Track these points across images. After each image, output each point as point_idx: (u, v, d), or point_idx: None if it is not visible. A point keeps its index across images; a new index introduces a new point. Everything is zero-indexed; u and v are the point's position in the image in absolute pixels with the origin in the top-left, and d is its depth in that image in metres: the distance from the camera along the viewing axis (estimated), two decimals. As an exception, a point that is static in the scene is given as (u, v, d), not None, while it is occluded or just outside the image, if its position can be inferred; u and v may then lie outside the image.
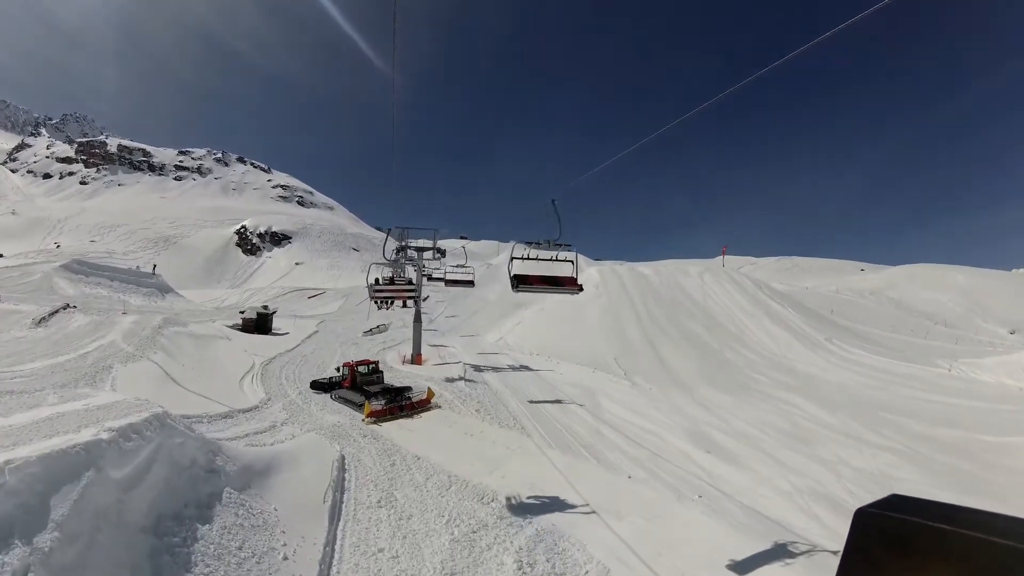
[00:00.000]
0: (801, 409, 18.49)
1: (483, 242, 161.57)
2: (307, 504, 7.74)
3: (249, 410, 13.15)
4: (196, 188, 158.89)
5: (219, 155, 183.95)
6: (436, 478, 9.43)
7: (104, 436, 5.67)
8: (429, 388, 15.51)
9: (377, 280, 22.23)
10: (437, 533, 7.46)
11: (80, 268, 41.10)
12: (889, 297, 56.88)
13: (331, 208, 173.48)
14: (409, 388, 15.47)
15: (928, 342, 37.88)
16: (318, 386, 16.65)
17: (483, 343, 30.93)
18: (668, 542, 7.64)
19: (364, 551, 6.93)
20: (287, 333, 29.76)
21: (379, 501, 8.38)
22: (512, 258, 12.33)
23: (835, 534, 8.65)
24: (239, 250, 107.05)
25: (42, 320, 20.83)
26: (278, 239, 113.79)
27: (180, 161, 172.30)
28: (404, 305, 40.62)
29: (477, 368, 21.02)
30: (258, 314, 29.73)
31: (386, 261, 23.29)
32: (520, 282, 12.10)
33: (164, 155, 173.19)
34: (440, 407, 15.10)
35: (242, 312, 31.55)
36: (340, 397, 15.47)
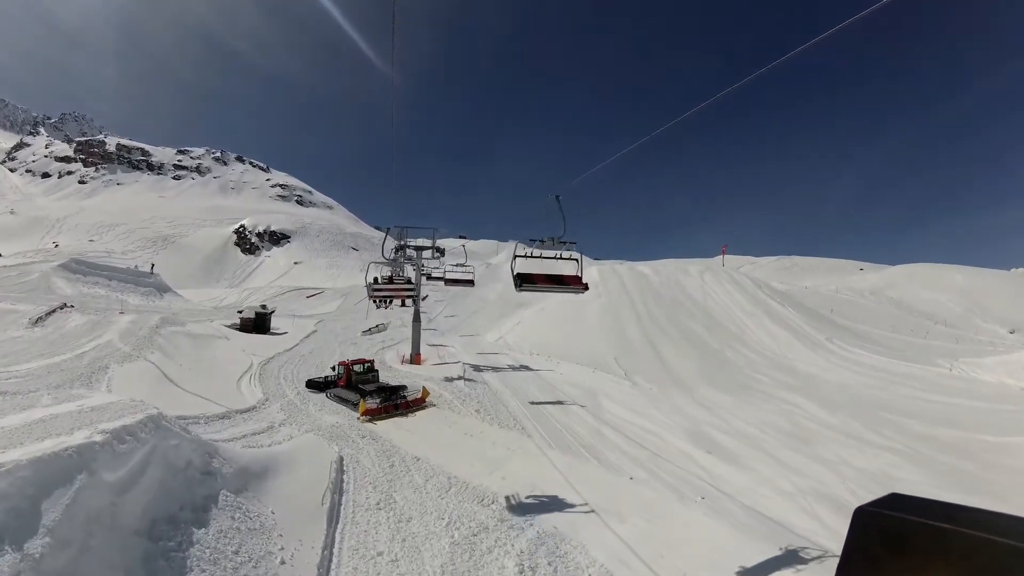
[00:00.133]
0: (802, 409, 18.42)
1: (482, 241, 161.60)
2: (305, 506, 7.64)
3: (247, 411, 13.04)
4: (195, 187, 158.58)
5: (218, 154, 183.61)
6: (436, 479, 9.33)
7: (97, 438, 5.57)
8: (424, 387, 15.57)
9: (376, 279, 22.12)
10: (437, 536, 7.37)
11: (78, 267, 40.93)
12: (889, 297, 56.85)
13: (330, 207, 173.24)
14: (404, 387, 15.57)
15: (928, 342, 37.85)
16: (314, 385, 16.75)
17: (483, 343, 30.85)
18: (670, 543, 7.55)
19: (363, 555, 6.83)
20: (285, 333, 29.63)
21: (378, 503, 8.28)
22: (515, 256, 12.04)
23: (838, 535, 8.57)
24: (238, 249, 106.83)
25: (39, 320, 20.70)
26: (277, 238, 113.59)
27: (179, 160, 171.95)
28: (403, 304, 40.51)
29: (477, 368, 20.93)
30: (256, 314, 29.60)
31: (385, 260, 23.19)
32: (524, 281, 11.82)
33: (163, 154, 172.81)
34: (435, 405, 15.14)
35: (240, 311, 31.43)
36: (335, 396, 15.55)
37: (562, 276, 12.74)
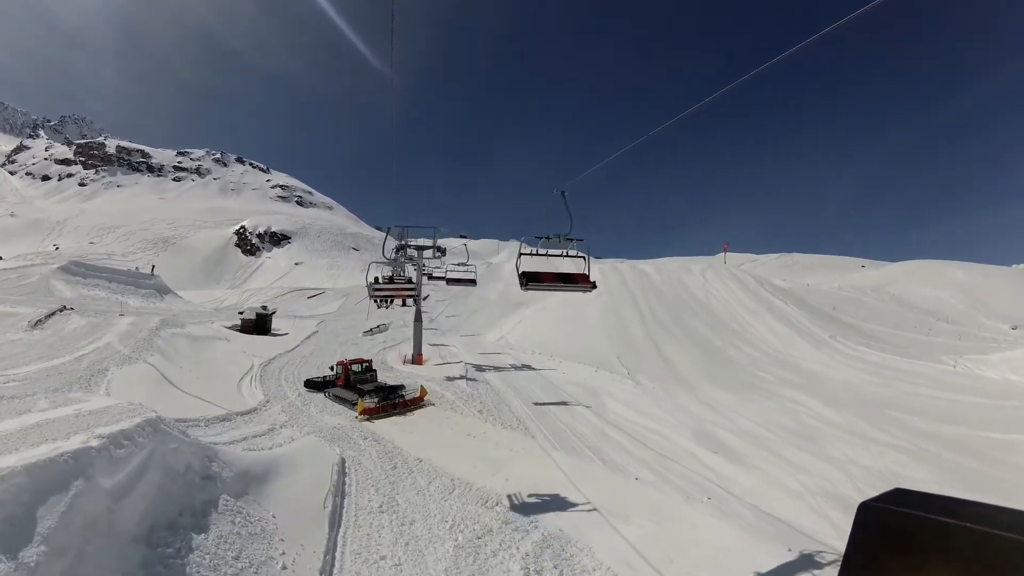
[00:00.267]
0: (806, 407, 18.30)
1: (483, 241, 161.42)
2: (306, 510, 7.52)
3: (247, 413, 12.93)
4: (195, 189, 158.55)
5: (218, 155, 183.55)
6: (439, 481, 9.22)
7: (94, 443, 5.46)
8: (422, 386, 15.67)
9: (377, 279, 22.01)
10: (441, 539, 7.25)
11: (78, 270, 40.82)
12: (891, 294, 56.70)
13: (330, 208, 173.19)
14: (402, 386, 15.73)
15: (931, 339, 37.70)
16: (312, 384, 16.90)
17: (484, 342, 30.74)
18: (677, 545, 7.44)
19: (365, 559, 6.72)
20: (286, 334, 29.54)
21: (380, 506, 8.17)
22: (520, 254, 11.78)
23: (847, 535, 8.45)
24: (238, 250, 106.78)
25: (38, 322, 20.60)
26: (277, 239, 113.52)
27: (179, 162, 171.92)
28: (404, 304, 40.41)
29: (479, 368, 20.81)
30: (257, 315, 29.49)
31: (386, 260, 23.08)
32: (530, 280, 11.50)
33: (163, 156, 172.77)
34: (434, 404, 15.18)
35: (241, 313, 31.32)
36: (334, 395, 15.67)
37: (569, 274, 12.47)
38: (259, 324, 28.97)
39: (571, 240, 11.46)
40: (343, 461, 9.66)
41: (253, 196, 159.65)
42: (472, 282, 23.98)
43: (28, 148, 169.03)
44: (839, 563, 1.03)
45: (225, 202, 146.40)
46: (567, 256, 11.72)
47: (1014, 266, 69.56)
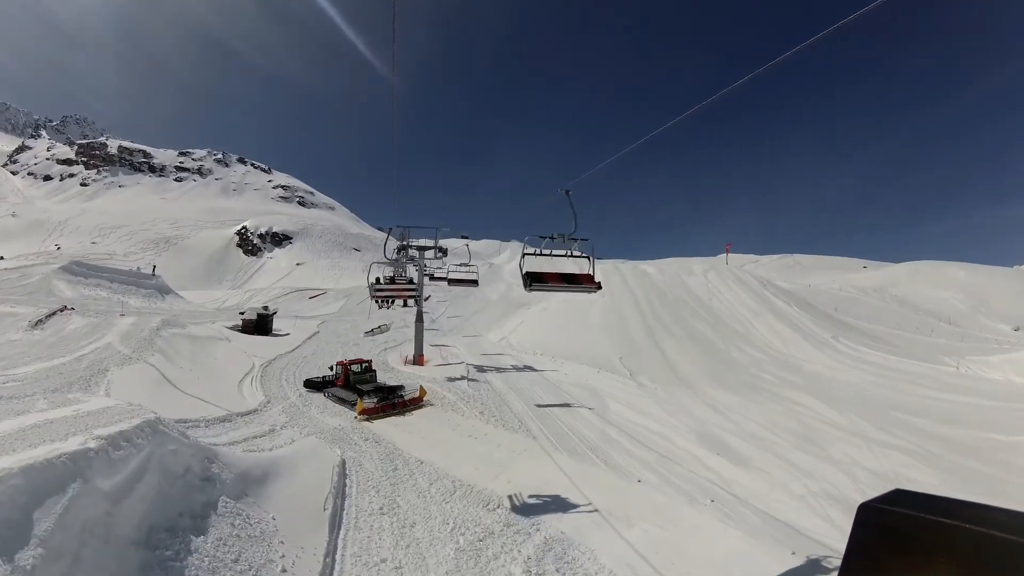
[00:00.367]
0: (810, 409, 18.19)
1: (484, 241, 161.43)
2: (307, 512, 7.46)
3: (247, 413, 12.88)
4: (196, 189, 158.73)
5: (219, 156, 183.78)
6: (440, 483, 9.15)
7: (92, 445, 5.40)
8: (421, 386, 15.75)
9: (378, 279, 21.96)
10: (442, 542, 7.19)
11: (79, 270, 40.86)
12: (892, 295, 56.57)
13: (332, 208, 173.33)
14: (402, 387, 15.83)
15: (934, 340, 37.58)
16: (312, 384, 16.96)
17: (485, 343, 30.67)
18: (681, 549, 7.36)
19: (366, 562, 6.65)
20: (287, 334, 29.49)
21: (381, 508, 8.10)
22: (523, 254, 11.50)
23: (851, 539, 8.36)
24: (240, 251, 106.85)
25: (38, 322, 20.57)
26: (279, 239, 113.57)
27: (180, 162, 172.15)
28: (405, 304, 40.36)
29: (480, 369, 20.74)
30: (258, 315, 29.46)
31: (387, 260, 23.03)
32: (534, 280, 11.24)
33: (164, 156, 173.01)
34: (432, 404, 15.20)
35: (242, 313, 31.28)
36: (333, 395, 15.70)
37: (574, 275, 12.25)
38: (260, 324, 28.94)
39: (576, 240, 11.25)
40: (344, 463, 9.60)
41: (255, 196, 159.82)
42: (474, 283, 23.94)
43: (30, 148, 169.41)
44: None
45: (227, 202, 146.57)
46: (572, 256, 11.49)
47: (1015, 267, 69.39)
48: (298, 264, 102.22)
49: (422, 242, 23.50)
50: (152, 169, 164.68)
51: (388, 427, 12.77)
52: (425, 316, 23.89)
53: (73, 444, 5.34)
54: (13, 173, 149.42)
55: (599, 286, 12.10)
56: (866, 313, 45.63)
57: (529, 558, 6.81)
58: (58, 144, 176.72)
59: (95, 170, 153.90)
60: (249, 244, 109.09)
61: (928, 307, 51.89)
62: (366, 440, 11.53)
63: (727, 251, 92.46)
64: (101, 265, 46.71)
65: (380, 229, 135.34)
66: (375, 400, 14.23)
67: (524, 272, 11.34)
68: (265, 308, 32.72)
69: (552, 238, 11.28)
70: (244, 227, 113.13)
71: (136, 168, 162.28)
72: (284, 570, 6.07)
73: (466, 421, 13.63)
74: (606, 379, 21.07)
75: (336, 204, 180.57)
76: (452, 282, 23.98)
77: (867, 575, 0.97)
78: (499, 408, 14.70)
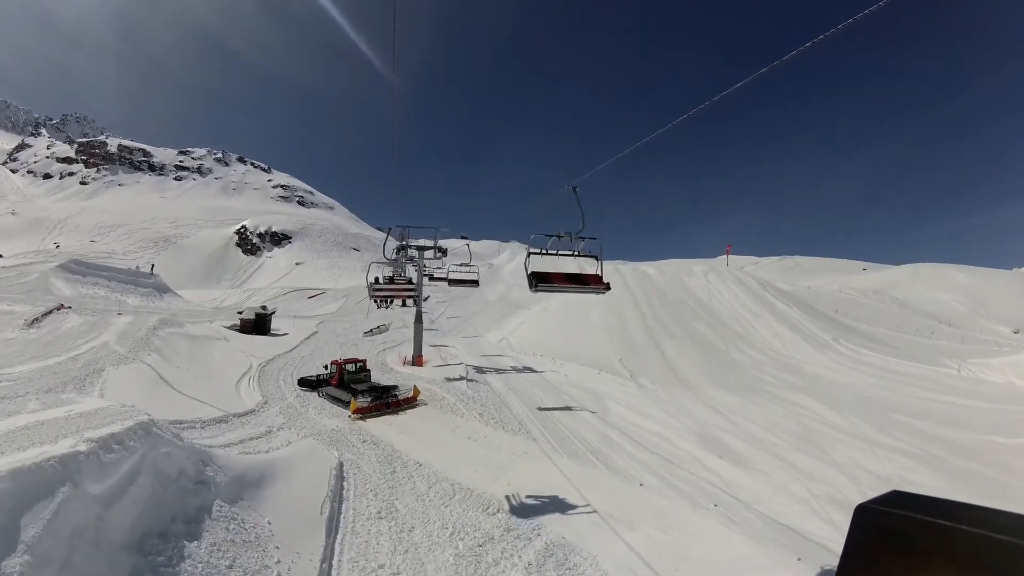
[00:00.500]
0: (811, 411, 18.09)
1: (484, 242, 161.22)
2: (303, 516, 7.33)
3: (244, 414, 12.74)
4: (196, 188, 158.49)
5: (219, 155, 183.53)
6: (439, 486, 9.02)
7: (82, 448, 5.27)
8: (415, 386, 15.87)
9: (377, 279, 21.83)
10: (441, 547, 7.06)
11: (77, 268, 40.66)
12: (892, 297, 56.50)
13: (331, 208, 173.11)
14: (395, 386, 16.01)
15: (934, 342, 37.50)
16: (306, 383, 17.02)
17: (485, 344, 30.54)
18: (684, 554, 7.25)
19: (363, 567, 6.53)
20: (286, 334, 29.33)
21: (379, 512, 7.97)
22: (528, 253, 11.10)
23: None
24: (239, 250, 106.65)
25: (35, 321, 20.41)
26: (278, 239, 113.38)
27: (180, 161, 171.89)
28: (404, 304, 40.25)
29: (480, 370, 20.61)
30: (256, 314, 29.28)
31: (386, 260, 22.91)
32: (539, 281, 10.84)
33: (164, 155, 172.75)
34: (426, 404, 15.22)
35: (240, 312, 31.12)
36: (327, 395, 15.75)
37: (582, 275, 11.91)
38: (258, 324, 28.77)
39: (583, 238, 10.91)
40: (341, 465, 9.47)
41: (254, 196, 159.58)
42: (475, 283, 23.82)
43: (30, 146, 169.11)
44: None
45: (226, 201, 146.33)
46: (578, 256, 11.14)
47: (1015, 269, 69.40)
48: (297, 264, 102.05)
49: (421, 242, 23.38)
50: (152, 168, 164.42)
51: (387, 429, 12.64)
52: (424, 316, 23.76)
53: (63, 447, 5.21)
54: (13, 171, 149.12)
55: (608, 286, 11.73)
56: (866, 315, 45.56)
57: (530, 564, 6.69)
58: (58, 142, 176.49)
59: (95, 169, 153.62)
60: (248, 243, 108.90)
61: (928, 309, 51.82)
62: (364, 442, 11.40)
63: (727, 253, 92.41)
64: (99, 264, 46.50)
65: (379, 229, 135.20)
66: (369, 399, 14.37)
67: (529, 272, 10.96)
68: (263, 308, 32.57)
69: (559, 236, 10.93)
70: (243, 226, 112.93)
71: (136, 167, 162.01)
72: (279, 576, 5.95)
73: (465, 423, 13.50)
74: (606, 380, 20.95)
75: (335, 204, 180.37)
76: (452, 282, 23.85)
77: None
78: (499, 410, 14.57)
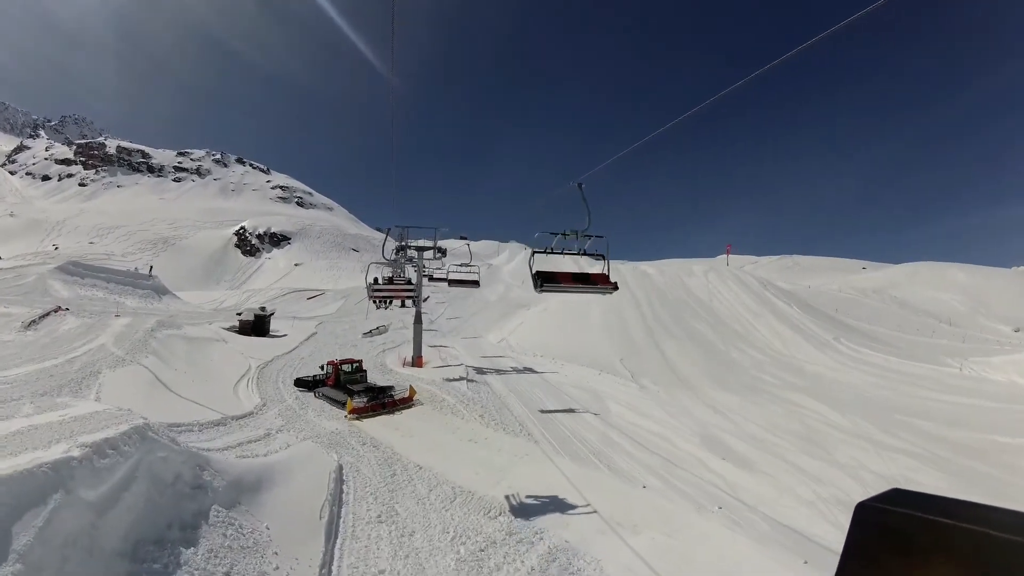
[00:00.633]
0: (812, 411, 18.01)
1: (483, 242, 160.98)
2: (302, 520, 7.22)
3: (243, 417, 12.61)
4: (195, 189, 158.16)
5: (218, 156, 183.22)
6: (439, 489, 8.90)
7: (75, 453, 5.15)
8: (411, 386, 15.90)
9: (376, 280, 21.71)
10: (442, 552, 6.95)
11: (76, 270, 40.48)
12: (892, 296, 56.43)
13: (330, 209, 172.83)
14: (391, 387, 16.06)
15: (935, 341, 37.42)
16: (302, 384, 17.04)
17: (485, 344, 30.42)
18: (689, 558, 7.14)
19: (363, 573, 6.42)
20: (285, 335, 29.19)
21: (379, 516, 7.86)
22: (533, 252, 10.80)
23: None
24: (238, 251, 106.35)
25: (32, 323, 20.26)
26: (277, 240, 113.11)
27: (179, 162, 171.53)
28: (403, 305, 40.09)
29: (480, 370, 20.50)
30: (255, 316, 29.11)
31: (385, 261, 22.78)
32: (545, 281, 10.54)
33: (163, 156, 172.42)
34: (422, 403, 15.20)
35: (239, 314, 30.95)
36: (323, 395, 15.75)
37: (588, 274, 11.61)
38: (257, 325, 28.62)
39: (589, 237, 10.59)
40: (340, 468, 9.35)
41: (253, 197, 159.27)
42: (475, 283, 23.69)
43: (28, 148, 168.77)
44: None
45: (225, 203, 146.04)
46: (584, 255, 10.86)
47: (1014, 268, 69.38)
48: (296, 265, 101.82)
49: (421, 242, 23.26)
50: (151, 169, 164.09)
51: (386, 431, 12.51)
52: (424, 317, 23.64)
53: (56, 452, 5.10)
54: (11, 173, 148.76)
55: (616, 286, 11.42)
56: (866, 314, 45.48)
57: (533, 569, 6.58)
58: (56, 144, 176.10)
59: (93, 170, 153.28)
60: (247, 244, 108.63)
61: (928, 308, 51.76)
62: (364, 444, 11.28)
63: (728, 252, 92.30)
64: (98, 265, 46.33)
65: (379, 230, 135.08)
66: (365, 400, 14.40)
67: (534, 272, 10.64)
68: (262, 309, 32.39)
69: (564, 235, 10.60)
70: (242, 227, 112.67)
71: (134, 168, 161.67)
72: (278, 583, 5.84)
73: (466, 424, 13.38)
74: (607, 381, 20.84)
75: (334, 204, 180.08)
76: (453, 283, 23.72)
77: (866, 574, 0.95)
78: (499, 411, 14.45)
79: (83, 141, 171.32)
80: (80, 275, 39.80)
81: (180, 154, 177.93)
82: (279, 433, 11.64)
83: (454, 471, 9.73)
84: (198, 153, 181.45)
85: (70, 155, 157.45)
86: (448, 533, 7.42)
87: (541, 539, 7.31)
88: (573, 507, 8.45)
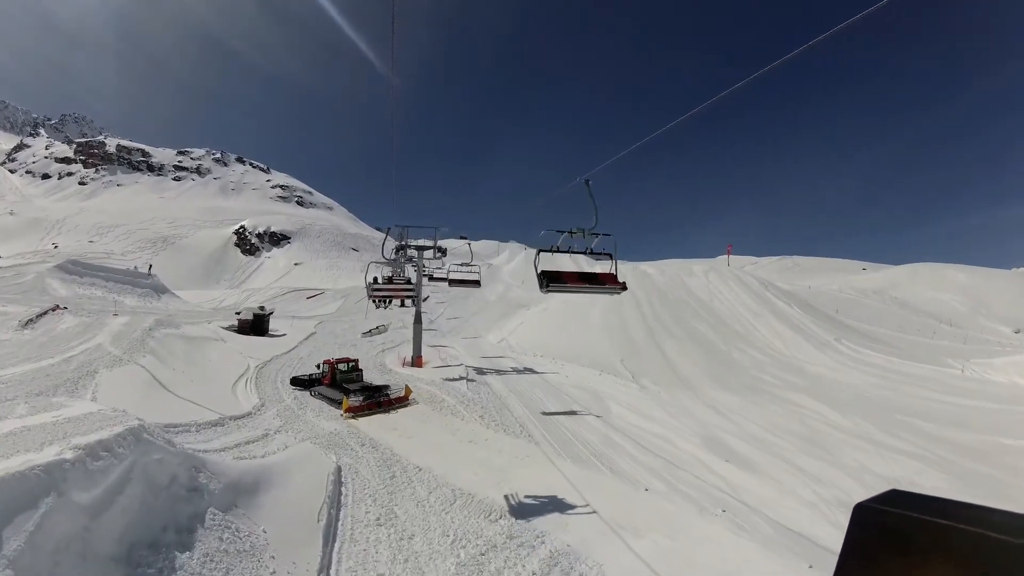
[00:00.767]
0: (814, 411, 17.93)
1: (483, 242, 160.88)
2: (300, 523, 7.11)
3: (241, 417, 12.49)
4: (195, 188, 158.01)
5: (218, 155, 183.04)
6: (439, 491, 8.80)
7: (68, 456, 5.05)
8: (407, 386, 15.97)
9: (376, 279, 21.61)
10: (442, 555, 6.84)
11: (74, 268, 40.39)
12: (892, 296, 56.35)
13: (330, 208, 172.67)
14: (387, 386, 16.18)
15: (936, 342, 37.35)
16: (298, 382, 17.05)
17: (485, 344, 30.32)
18: (693, 562, 7.05)
19: (362, 577, 6.32)
20: (284, 335, 29.08)
21: (378, 519, 7.75)
22: (539, 251, 10.54)
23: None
24: (238, 250, 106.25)
25: (29, 322, 20.15)
26: (277, 239, 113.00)
27: (179, 161, 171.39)
28: (402, 305, 39.98)
29: (480, 371, 20.40)
30: (254, 315, 28.99)
31: (385, 260, 22.67)
32: (551, 280, 10.25)
33: (163, 155, 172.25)
34: (417, 403, 15.19)
35: (238, 313, 30.82)
36: (319, 394, 15.76)
37: (596, 274, 11.28)
38: (256, 325, 28.49)
39: (596, 235, 10.35)
40: (339, 470, 9.24)
41: (253, 196, 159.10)
42: (476, 283, 23.57)
43: (28, 146, 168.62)
44: None
45: (225, 202, 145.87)
46: (592, 252, 10.64)
47: (1014, 269, 69.34)
48: (296, 264, 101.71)
49: (421, 242, 23.15)
50: (150, 168, 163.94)
51: (385, 431, 12.40)
52: (423, 317, 23.54)
53: (48, 455, 5.00)
54: (11, 171, 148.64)
55: (624, 286, 11.13)
56: (867, 315, 45.41)
57: (534, 573, 6.49)
58: (56, 143, 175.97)
59: (93, 169, 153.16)
60: (247, 244, 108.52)
61: (928, 309, 51.68)
62: (363, 445, 11.17)
63: (728, 253, 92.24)
64: (96, 264, 46.23)
65: (378, 229, 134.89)
66: (361, 398, 14.44)
67: (539, 271, 10.38)
68: (261, 308, 32.27)
69: (571, 232, 10.35)
70: (242, 226, 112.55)
71: (134, 167, 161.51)
72: (275, 587, 5.74)
73: (465, 425, 13.28)
74: (608, 381, 20.75)
75: (334, 204, 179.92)
76: (453, 282, 23.60)
77: (865, 574, 0.95)
78: (499, 412, 14.35)
79: (83, 140, 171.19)
80: (79, 274, 39.70)
81: (180, 153, 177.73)
82: (277, 434, 11.53)
83: (454, 473, 9.63)
84: (198, 152, 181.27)
85: (70, 154, 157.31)
86: (448, 536, 7.32)
87: (542, 542, 7.21)
88: (574, 510, 8.35)
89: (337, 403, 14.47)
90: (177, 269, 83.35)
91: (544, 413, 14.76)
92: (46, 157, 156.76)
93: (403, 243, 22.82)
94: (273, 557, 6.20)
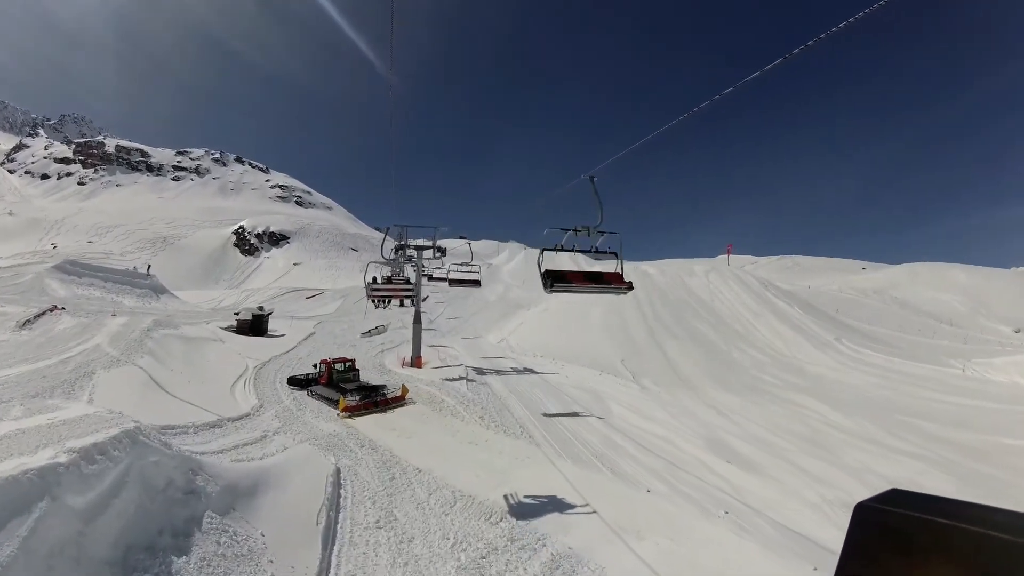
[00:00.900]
0: (815, 412, 17.88)
1: (483, 242, 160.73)
2: (298, 526, 7.03)
3: (239, 418, 12.40)
4: (194, 188, 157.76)
5: (217, 155, 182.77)
6: (439, 493, 8.73)
7: (62, 459, 4.97)
8: (403, 385, 15.98)
9: (375, 279, 21.53)
10: (442, 559, 6.77)
11: (73, 269, 40.23)
12: (893, 296, 56.31)
13: (329, 208, 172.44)
14: (384, 385, 16.22)
15: (936, 342, 37.31)
16: (295, 382, 17.07)
17: (484, 345, 30.25)
18: (696, 564, 6.97)
19: (361, 581, 6.24)
20: (283, 335, 28.98)
21: (378, 521, 7.67)
22: (543, 250, 10.35)
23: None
24: (237, 250, 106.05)
25: (27, 322, 20.04)
26: (276, 239, 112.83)
27: (178, 161, 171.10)
28: (402, 305, 39.90)
29: (480, 371, 20.32)
30: (253, 315, 28.87)
31: (384, 260, 22.59)
32: (555, 280, 10.10)
33: (162, 155, 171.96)
34: (414, 402, 15.15)
35: (237, 313, 30.71)
36: (316, 394, 15.76)
37: (602, 273, 11.11)
38: (255, 325, 28.38)
39: (602, 233, 10.18)
40: (338, 471, 9.16)
41: (252, 196, 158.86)
42: (476, 283, 23.49)
43: (27, 147, 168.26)
44: None
45: (224, 202, 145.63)
46: (596, 251, 10.47)
47: (1013, 268, 69.32)
48: (295, 264, 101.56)
49: (420, 242, 23.06)
50: (150, 168, 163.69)
51: (384, 432, 12.32)
52: (423, 317, 23.46)
53: (42, 458, 4.91)
54: (10, 172, 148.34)
55: (630, 286, 10.95)
56: (867, 315, 45.37)
57: (535, 577, 6.41)
58: (56, 143, 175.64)
59: (92, 169, 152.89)
60: (246, 244, 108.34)
61: (928, 309, 51.65)
62: (362, 447, 11.09)
63: (729, 253, 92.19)
64: (95, 264, 46.09)
65: (378, 229, 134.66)
66: (357, 398, 14.46)
67: (543, 271, 10.20)
68: (260, 308, 32.15)
69: (576, 231, 10.15)
70: (241, 227, 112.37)
71: (133, 167, 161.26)
72: (273, 592, 5.66)
73: (465, 426, 13.20)
74: (608, 381, 20.69)
75: (334, 204, 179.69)
76: (453, 282, 23.51)
77: (866, 574, 0.95)
78: (499, 412, 14.27)
79: (82, 140, 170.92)
80: (78, 274, 39.57)
81: (179, 153, 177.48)
82: (276, 435, 11.45)
83: (454, 474, 9.55)
84: (197, 152, 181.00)
85: (69, 154, 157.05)
86: (448, 539, 7.25)
87: (544, 545, 7.14)
88: (576, 512, 8.28)
89: (334, 403, 14.47)
90: (176, 269, 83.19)
91: (545, 414, 14.67)
92: (45, 157, 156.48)
93: (402, 243, 22.73)
94: (271, 561, 6.12)
